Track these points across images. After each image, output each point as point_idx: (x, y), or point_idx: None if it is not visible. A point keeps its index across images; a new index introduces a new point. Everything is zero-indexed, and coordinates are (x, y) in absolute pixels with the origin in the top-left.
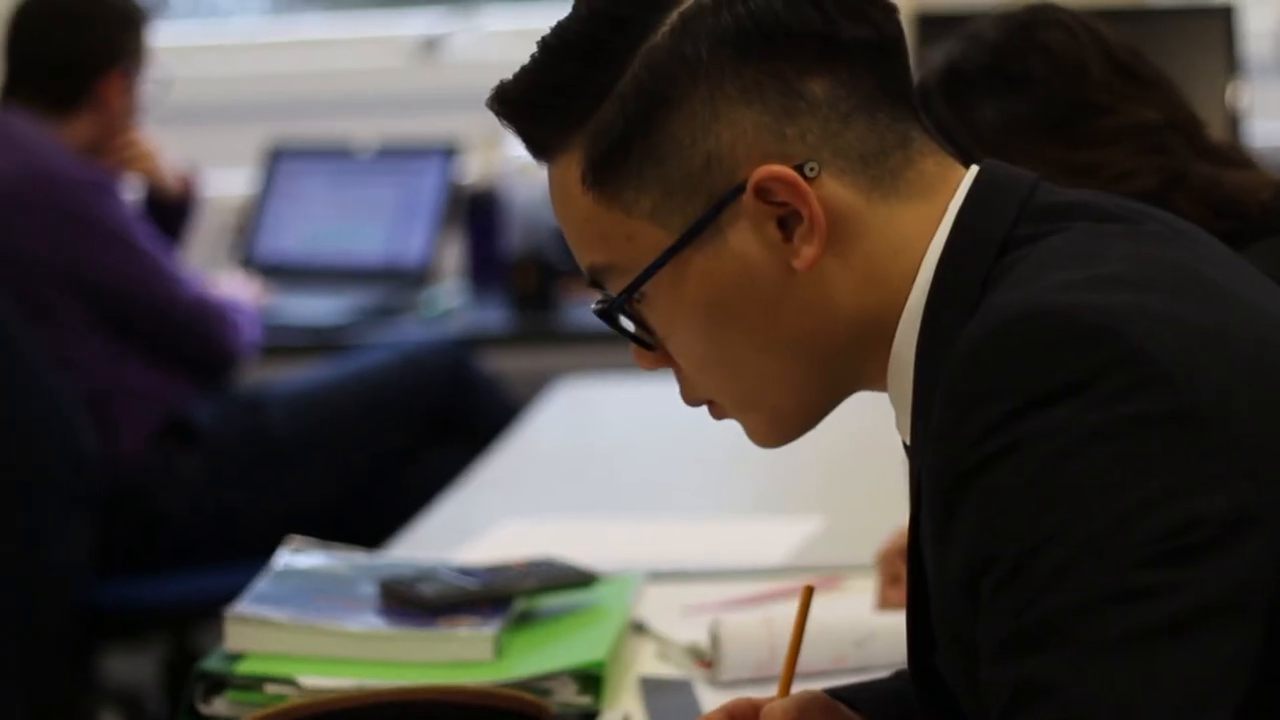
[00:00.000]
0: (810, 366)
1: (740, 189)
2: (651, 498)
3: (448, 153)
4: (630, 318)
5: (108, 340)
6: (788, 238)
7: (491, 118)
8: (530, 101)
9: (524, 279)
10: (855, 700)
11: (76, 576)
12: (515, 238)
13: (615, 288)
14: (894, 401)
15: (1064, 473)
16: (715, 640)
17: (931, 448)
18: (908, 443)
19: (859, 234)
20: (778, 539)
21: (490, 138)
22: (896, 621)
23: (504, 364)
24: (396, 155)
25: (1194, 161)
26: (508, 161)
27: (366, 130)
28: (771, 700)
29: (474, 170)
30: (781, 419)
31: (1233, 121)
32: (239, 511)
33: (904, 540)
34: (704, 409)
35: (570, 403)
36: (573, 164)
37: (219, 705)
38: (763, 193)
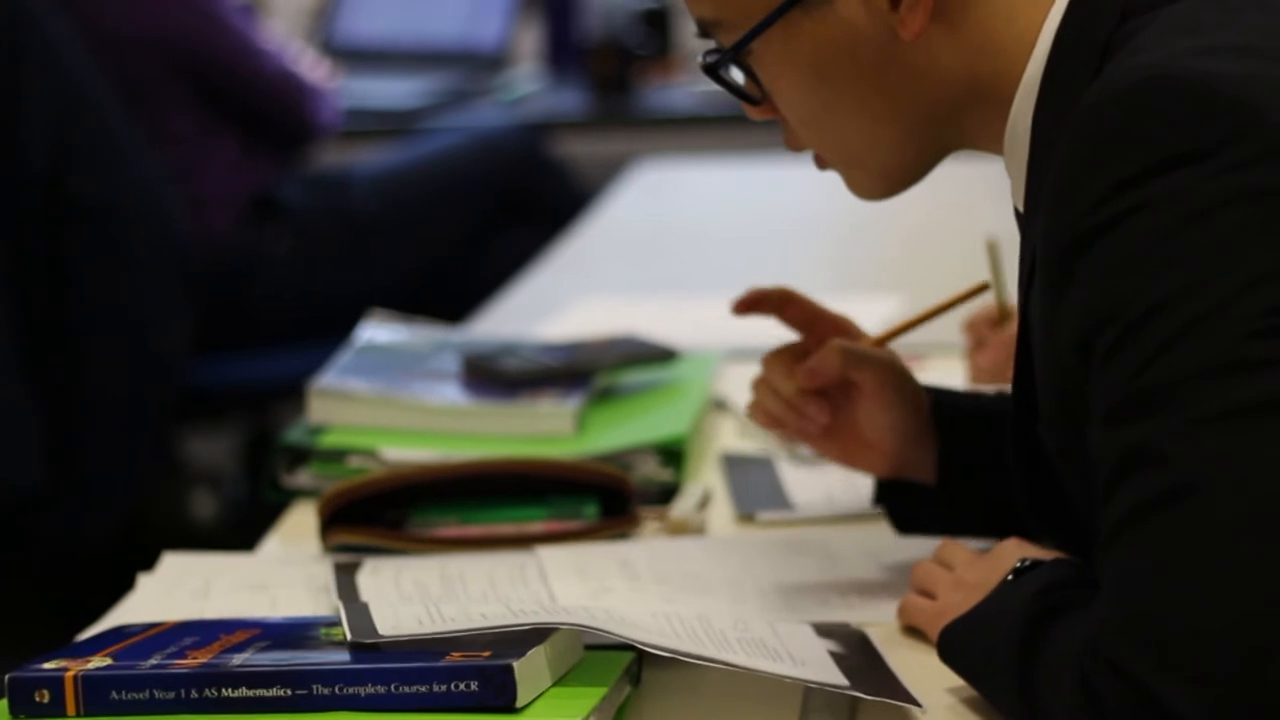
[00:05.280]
0: (915, 128)
1: None
2: (729, 278)
3: None
4: (740, 68)
5: (194, 115)
6: (894, 6)
7: None
8: None
9: (601, 63)
10: (940, 401)
11: (175, 357)
12: (592, 22)
13: (724, 42)
14: (1009, 169)
15: (1184, 238)
16: None
17: (1049, 208)
18: (1021, 210)
19: (969, 3)
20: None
21: None
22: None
23: (581, 148)
24: None
25: None
26: None
27: None
28: (855, 343)
29: None
30: (884, 175)
31: None
32: (325, 290)
33: (991, 309)
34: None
35: (647, 184)
36: None
37: (302, 478)
38: None
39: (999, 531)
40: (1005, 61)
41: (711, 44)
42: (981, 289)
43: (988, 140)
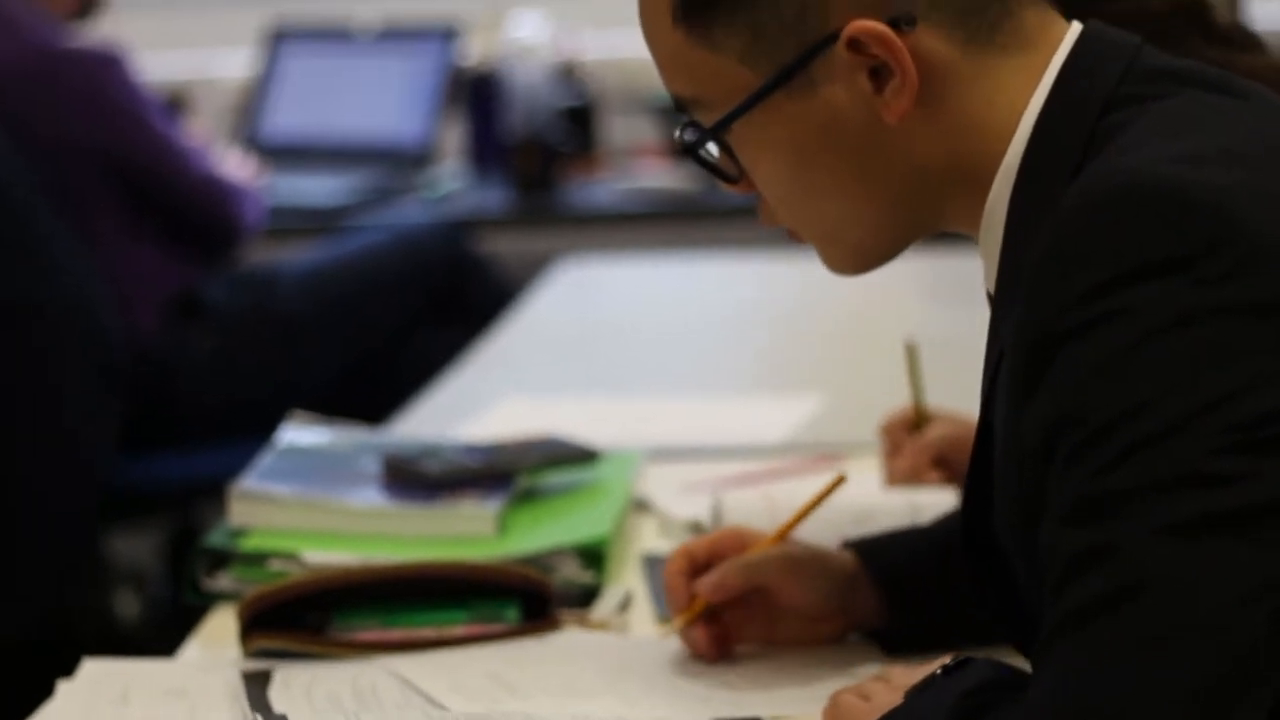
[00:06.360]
0: (894, 208)
1: (832, 38)
2: (652, 377)
3: (448, 34)
4: (718, 145)
5: (120, 217)
6: (878, 90)
7: None
8: None
9: (525, 160)
10: (870, 551)
11: (102, 457)
12: (516, 119)
13: (702, 120)
14: (983, 252)
15: (1155, 349)
16: (717, 516)
17: (1026, 304)
18: (991, 294)
19: (953, 87)
20: (777, 417)
21: (491, 19)
22: (895, 501)
23: (504, 246)
24: (397, 36)
25: (1202, 47)
26: (508, 43)
27: (367, 11)
28: (751, 555)
29: (475, 52)
30: (861, 253)
31: (1232, 2)
32: (250, 388)
33: (908, 413)
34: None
35: (571, 283)
36: None
37: (223, 581)
38: (855, 45)
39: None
40: (986, 145)
41: (663, 110)
42: (839, 482)
43: (964, 222)
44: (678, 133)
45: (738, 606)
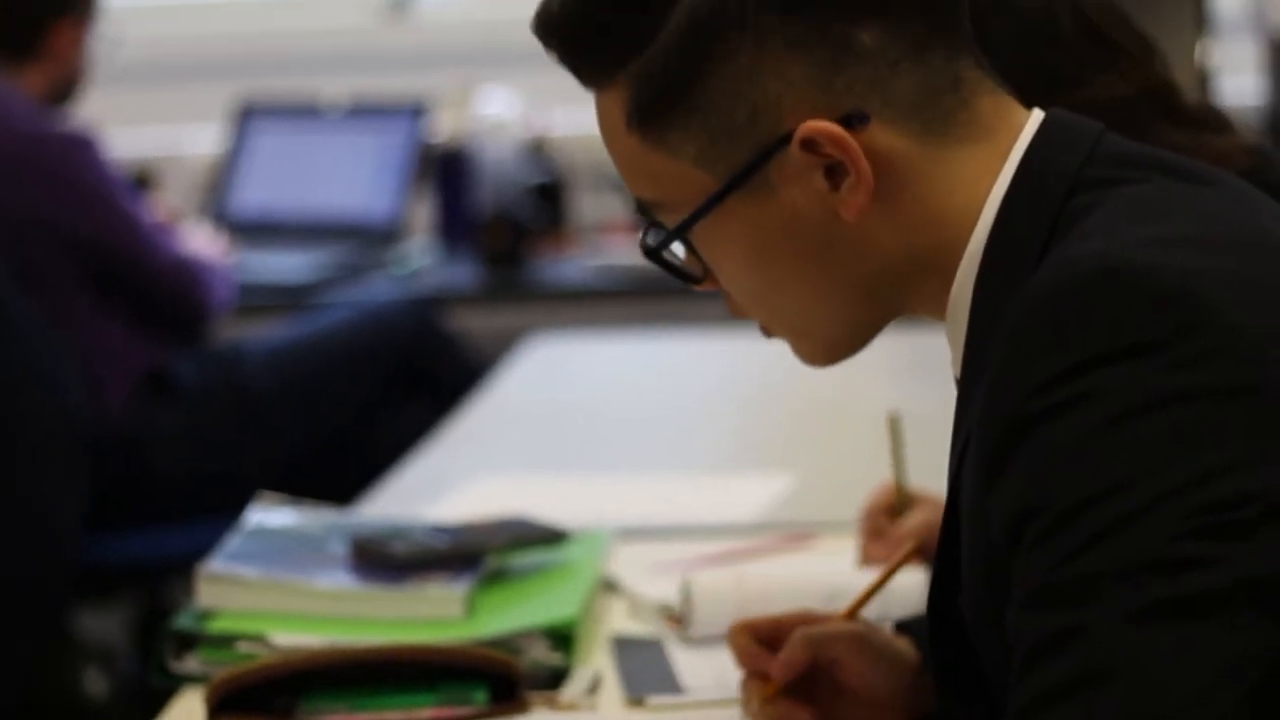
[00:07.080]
0: (858, 301)
1: (786, 140)
2: (622, 455)
3: (417, 111)
4: (682, 244)
5: (89, 297)
6: (835, 187)
7: (462, 76)
8: (573, 37)
9: (494, 237)
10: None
11: (71, 535)
12: (485, 196)
13: (665, 221)
14: (950, 338)
15: (1123, 433)
16: (686, 598)
17: (992, 389)
18: (958, 379)
19: (910, 180)
20: (748, 496)
21: (460, 96)
22: (868, 580)
23: (474, 322)
24: (366, 113)
25: (1168, 131)
26: (477, 120)
27: (336, 88)
28: (819, 628)
29: (443, 128)
30: (830, 345)
31: (1202, 80)
32: (219, 466)
33: (887, 497)
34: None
35: (541, 360)
36: (618, 103)
37: (190, 663)
38: (809, 145)
39: None
40: (947, 234)
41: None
42: (908, 558)
43: (930, 309)
44: (641, 235)
45: (802, 685)
